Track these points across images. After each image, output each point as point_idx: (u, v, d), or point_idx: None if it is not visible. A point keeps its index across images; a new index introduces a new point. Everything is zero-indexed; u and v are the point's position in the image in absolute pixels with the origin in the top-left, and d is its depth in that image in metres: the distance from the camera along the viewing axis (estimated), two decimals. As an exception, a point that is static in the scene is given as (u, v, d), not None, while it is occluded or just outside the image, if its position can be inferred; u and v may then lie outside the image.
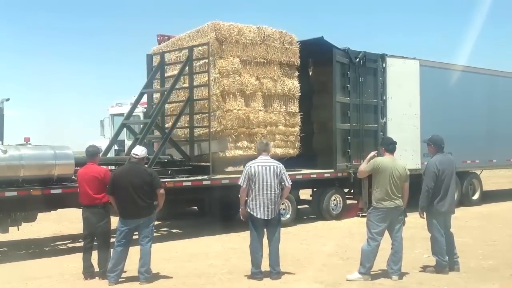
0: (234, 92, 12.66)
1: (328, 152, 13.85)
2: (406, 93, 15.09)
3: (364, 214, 13.62)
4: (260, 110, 13.06)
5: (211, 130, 12.27)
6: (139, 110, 15.30)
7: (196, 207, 15.61)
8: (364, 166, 7.93)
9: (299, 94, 13.74)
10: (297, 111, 13.77)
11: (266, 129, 13.07)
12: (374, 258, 7.71)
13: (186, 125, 13.02)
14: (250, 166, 7.82)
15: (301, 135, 13.83)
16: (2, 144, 10.99)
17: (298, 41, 13.72)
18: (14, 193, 9.52)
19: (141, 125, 13.79)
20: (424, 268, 8.18)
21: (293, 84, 13.63)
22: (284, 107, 13.52)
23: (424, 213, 8.03)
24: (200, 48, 12.67)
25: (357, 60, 14.25)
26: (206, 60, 12.41)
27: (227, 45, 12.62)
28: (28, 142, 10.27)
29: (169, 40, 14.22)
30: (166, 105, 13.23)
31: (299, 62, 13.79)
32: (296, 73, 13.85)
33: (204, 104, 12.50)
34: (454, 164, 8.29)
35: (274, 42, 13.36)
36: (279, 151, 13.03)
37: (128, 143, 15.51)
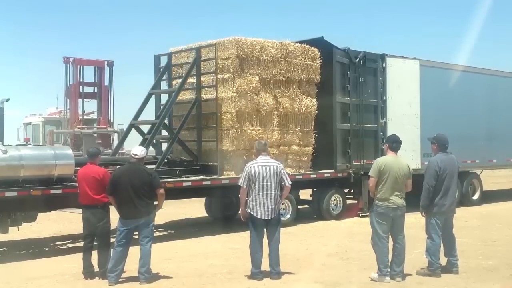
0: (249, 111, 12.43)
1: (328, 152, 13.83)
2: (406, 93, 15.08)
3: (364, 214, 13.65)
4: (275, 130, 12.85)
5: (223, 148, 12.22)
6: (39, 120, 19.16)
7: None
8: (370, 178, 7.70)
9: (316, 112, 13.57)
10: (312, 129, 13.58)
11: (278, 149, 12.84)
12: (388, 256, 7.61)
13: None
14: (250, 167, 7.81)
15: (314, 154, 13.66)
16: (2, 144, 11.01)
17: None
18: (14, 193, 9.52)
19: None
20: (419, 270, 8.00)
21: (310, 102, 13.41)
22: (300, 126, 13.32)
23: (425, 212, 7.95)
24: (220, 61, 12.43)
25: (357, 60, 14.24)
26: (230, 75, 12.26)
27: (247, 62, 12.38)
28: (28, 142, 10.29)
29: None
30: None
31: (319, 79, 13.59)
32: (315, 90, 13.65)
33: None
34: (457, 164, 8.13)
35: (296, 59, 13.12)
36: (290, 171, 12.58)
37: None
